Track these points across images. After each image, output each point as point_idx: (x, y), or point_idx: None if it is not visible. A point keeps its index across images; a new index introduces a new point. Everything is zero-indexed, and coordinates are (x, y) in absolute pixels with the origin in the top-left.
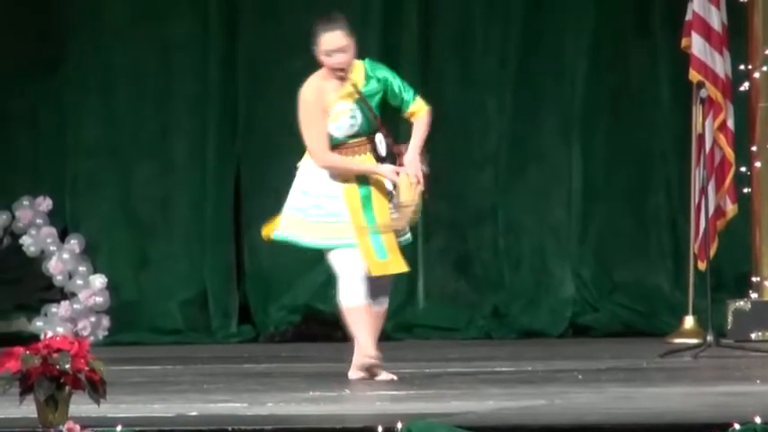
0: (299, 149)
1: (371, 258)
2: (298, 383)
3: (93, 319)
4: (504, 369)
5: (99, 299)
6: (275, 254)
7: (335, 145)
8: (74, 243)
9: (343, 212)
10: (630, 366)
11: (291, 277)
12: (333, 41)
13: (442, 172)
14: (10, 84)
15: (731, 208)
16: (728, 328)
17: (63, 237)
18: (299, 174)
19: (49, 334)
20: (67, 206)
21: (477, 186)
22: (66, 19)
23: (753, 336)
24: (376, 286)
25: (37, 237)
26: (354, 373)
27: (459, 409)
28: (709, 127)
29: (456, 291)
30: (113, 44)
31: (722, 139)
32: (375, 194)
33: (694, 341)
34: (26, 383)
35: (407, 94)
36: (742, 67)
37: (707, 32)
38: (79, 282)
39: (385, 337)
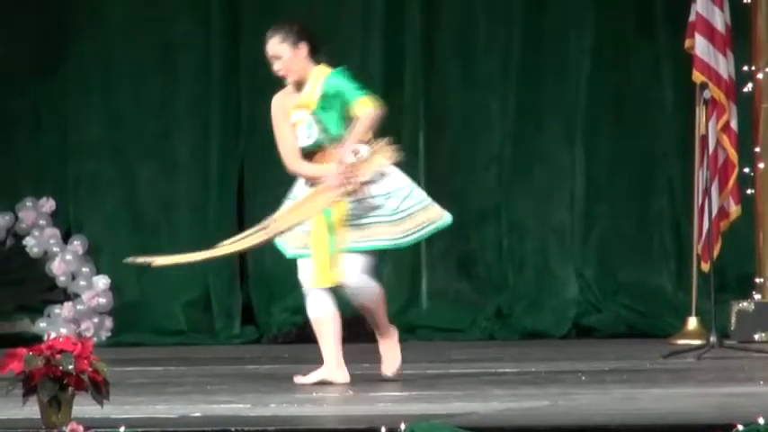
0: None
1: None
2: (300, 385)
3: (96, 320)
4: (507, 370)
5: (102, 300)
6: (278, 255)
7: (306, 153)
8: (77, 244)
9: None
10: (634, 367)
11: (294, 278)
12: (268, 49)
13: (445, 173)
14: (12, 84)
15: (734, 209)
16: (732, 329)
17: (66, 238)
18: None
19: (53, 335)
20: (71, 207)
21: (481, 187)
22: (69, 20)
23: (756, 337)
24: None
25: (40, 238)
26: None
27: (463, 410)
28: (713, 128)
29: (459, 292)
30: (115, 45)
31: (725, 140)
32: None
33: (698, 342)
34: (29, 384)
35: (356, 97)
36: (745, 68)
37: (710, 33)
38: (82, 283)
39: None
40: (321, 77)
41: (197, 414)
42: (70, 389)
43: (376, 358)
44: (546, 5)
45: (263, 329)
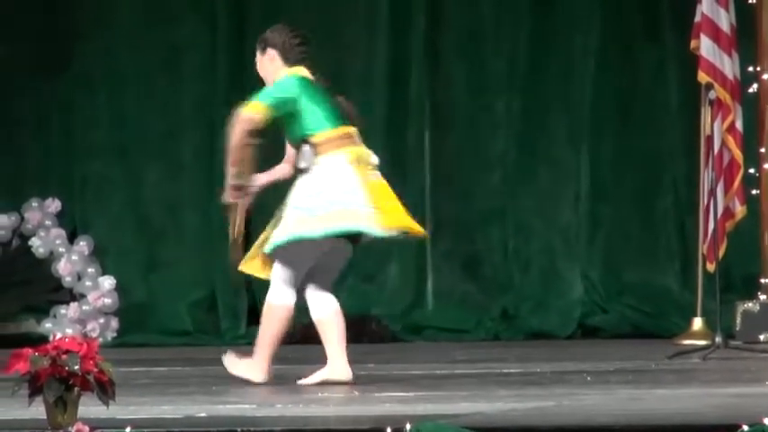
0: None
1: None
2: (306, 385)
3: (101, 320)
4: (512, 370)
5: (108, 300)
6: None
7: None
8: (83, 245)
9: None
10: (639, 368)
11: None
12: None
13: (450, 173)
14: (18, 85)
15: (740, 209)
16: (737, 329)
17: (72, 238)
18: None
19: (58, 335)
20: (76, 208)
21: (486, 188)
22: (75, 21)
23: (761, 337)
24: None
25: (46, 238)
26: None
27: (468, 411)
28: (718, 129)
29: (464, 292)
30: (122, 46)
31: (731, 141)
32: None
33: (703, 343)
34: (35, 385)
35: None
36: (750, 68)
37: (715, 34)
38: (88, 283)
39: (393, 339)
40: None
41: (202, 414)
42: (76, 389)
43: (381, 359)
44: (551, 7)
45: None
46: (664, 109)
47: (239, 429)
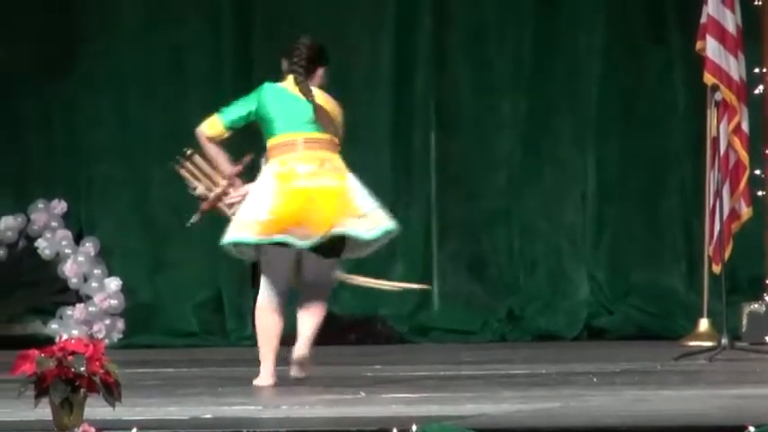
0: None
1: None
2: (312, 386)
3: (107, 321)
4: (518, 372)
5: (114, 301)
6: None
7: None
8: (89, 246)
9: None
10: (645, 369)
11: None
12: None
13: (456, 174)
14: (24, 86)
15: (746, 211)
16: (743, 330)
17: (78, 240)
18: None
19: (64, 336)
20: (82, 209)
21: (492, 189)
22: (80, 22)
23: (767, 338)
24: None
25: (52, 240)
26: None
27: (474, 412)
28: (724, 130)
29: (471, 293)
30: (127, 47)
31: (737, 142)
32: None
33: (709, 344)
34: (41, 386)
35: None
36: (756, 69)
37: (721, 35)
38: (94, 284)
39: (400, 340)
40: None
41: (208, 416)
42: (82, 390)
43: (387, 360)
44: (557, 7)
45: None
46: (669, 110)
47: (245, 430)
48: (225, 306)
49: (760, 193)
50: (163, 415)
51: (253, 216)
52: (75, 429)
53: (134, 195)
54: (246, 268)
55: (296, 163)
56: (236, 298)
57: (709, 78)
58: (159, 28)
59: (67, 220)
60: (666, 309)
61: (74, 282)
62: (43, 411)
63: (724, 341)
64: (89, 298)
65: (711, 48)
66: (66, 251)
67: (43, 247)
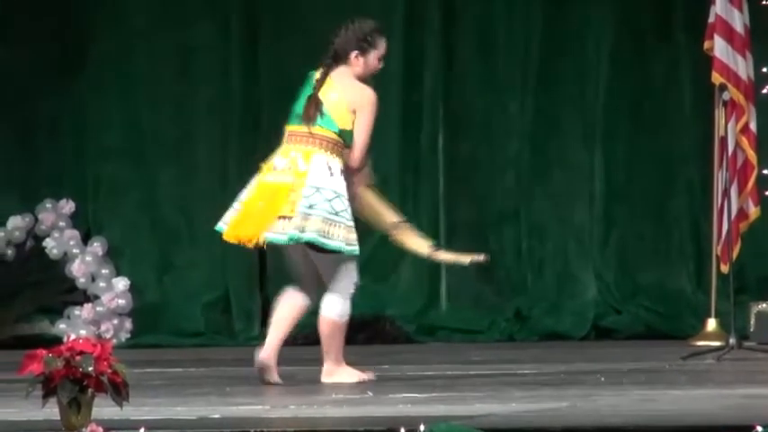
0: None
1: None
2: (320, 386)
3: (115, 321)
4: (526, 371)
5: (122, 301)
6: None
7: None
8: (97, 246)
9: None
10: (653, 369)
11: None
12: (385, 48)
13: (464, 174)
14: (33, 88)
15: (754, 210)
16: (751, 330)
17: (86, 239)
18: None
19: (72, 336)
20: (90, 209)
21: (500, 189)
22: (89, 23)
23: None
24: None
25: (60, 239)
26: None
27: (482, 412)
28: (732, 129)
29: (478, 293)
30: (135, 48)
31: (744, 142)
32: None
33: (717, 344)
34: (49, 386)
35: None
36: (764, 69)
37: (729, 35)
38: (102, 284)
39: (407, 340)
40: None
41: (216, 415)
42: (90, 390)
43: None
44: (565, 8)
45: None
46: (677, 110)
47: (252, 431)
48: (232, 306)
49: None
50: (170, 415)
51: (234, 204)
52: (83, 429)
53: (142, 195)
54: (254, 268)
55: (277, 156)
56: (244, 298)
57: (717, 78)
58: (167, 30)
59: (75, 219)
60: (674, 308)
61: (81, 281)
62: (51, 411)
63: (732, 341)
64: (97, 298)
65: (719, 47)
66: (74, 251)
67: (51, 246)
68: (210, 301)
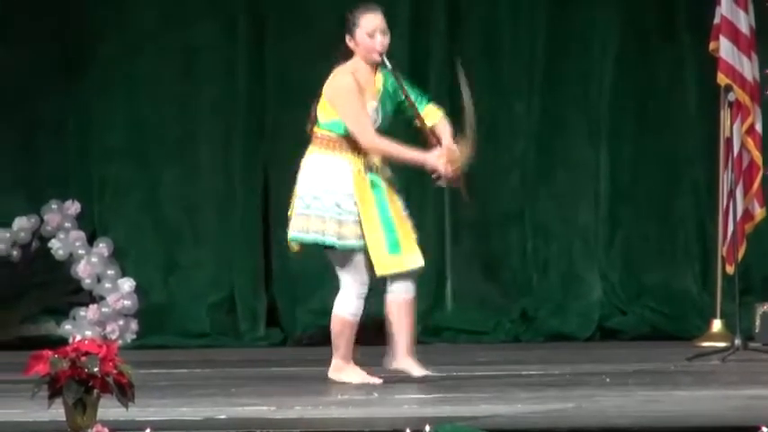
0: None
1: (381, 254)
2: (325, 387)
3: (121, 322)
4: (532, 372)
5: (127, 302)
6: (303, 256)
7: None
8: (102, 247)
9: (356, 210)
10: (658, 370)
11: (319, 280)
12: (376, 21)
13: (469, 174)
14: (37, 88)
15: (759, 211)
16: (756, 331)
17: (91, 240)
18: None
19: (78, 337)
20: (96, 210)
21: (505, 190)
22: (93, 24)
23: None
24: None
25: (65, 240)
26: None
27: (487, 413)
28: (737, 130)
29: (484, 294)
30: (140, 48)
31: (750, 143)
32: (387, 187)
33: (722, 345)
34: (55, 387)
35: (427, 102)
36: None
37: (735, 36)
38: (107, 285)
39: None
40: (380, 70)
41: (222, 416)
42: (95, 391)
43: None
44: (569, 8)
45: (287, 332)
46: (683, 111)
47: (258, 431)
48: (238, 307)
49: None
50: (176, 416)
51: None
52: (89, 430)
53: (147, 196)
54: (260, 269)
55: None
56: (250, 299)
57: (722, 79)
58: (172, 30)
59: (81, 220)
60: (679, 309)
61: (87, 282)
62: (56, 412)
63: (737, 342)
64: (102, 299)
65: (725, 48)
66: (80, 252)
67: (56, 247)
68: (216, 302)
